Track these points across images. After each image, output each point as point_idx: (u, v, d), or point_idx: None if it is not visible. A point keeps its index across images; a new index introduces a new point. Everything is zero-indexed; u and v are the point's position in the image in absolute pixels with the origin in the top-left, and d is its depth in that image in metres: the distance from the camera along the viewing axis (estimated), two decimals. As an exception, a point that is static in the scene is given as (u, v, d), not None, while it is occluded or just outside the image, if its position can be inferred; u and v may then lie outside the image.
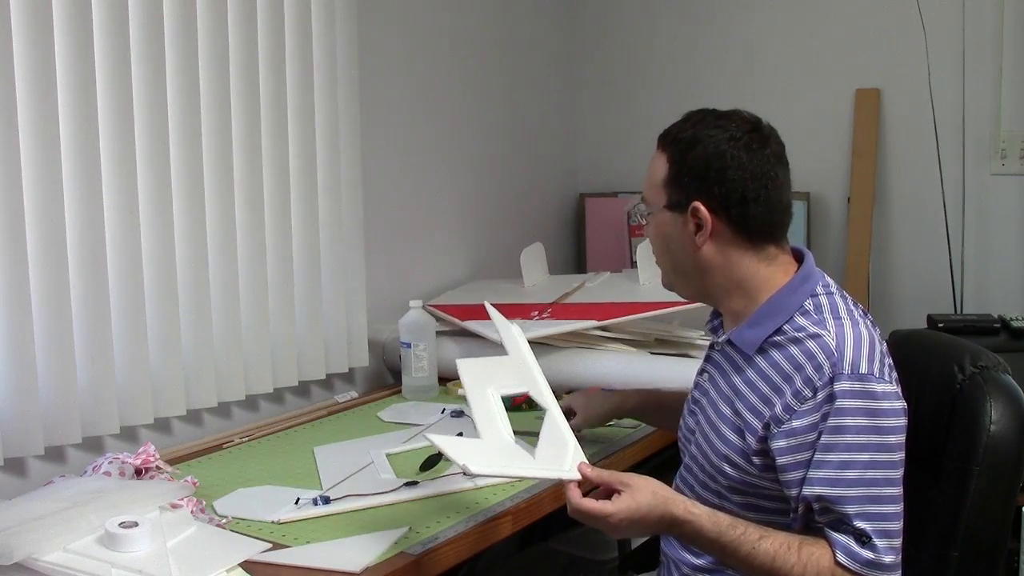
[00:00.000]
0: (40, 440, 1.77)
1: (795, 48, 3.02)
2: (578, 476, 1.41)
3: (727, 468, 1.45)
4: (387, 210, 2.60)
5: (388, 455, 1.90)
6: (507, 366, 1.66)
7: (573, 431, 1.70)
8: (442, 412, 2.18)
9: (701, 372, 1.59)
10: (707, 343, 2.35)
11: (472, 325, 2.40)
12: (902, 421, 1.36)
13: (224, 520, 1.60)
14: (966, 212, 2.79)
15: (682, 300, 2.33)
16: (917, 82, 2.79)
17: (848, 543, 1.33)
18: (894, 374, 1.40)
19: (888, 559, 1.33)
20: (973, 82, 2.76)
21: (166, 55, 1.96)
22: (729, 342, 1.49)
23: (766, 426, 1.39)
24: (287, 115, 2.23)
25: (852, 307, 1.44)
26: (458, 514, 1.62)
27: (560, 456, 1.46)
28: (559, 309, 2.46)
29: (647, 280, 2.63)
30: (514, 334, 1.71)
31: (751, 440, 1.41)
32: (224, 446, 2.04)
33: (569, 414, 1.95)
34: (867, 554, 1.32)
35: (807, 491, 1.35)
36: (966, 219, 2.79)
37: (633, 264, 2.79)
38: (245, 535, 1.54)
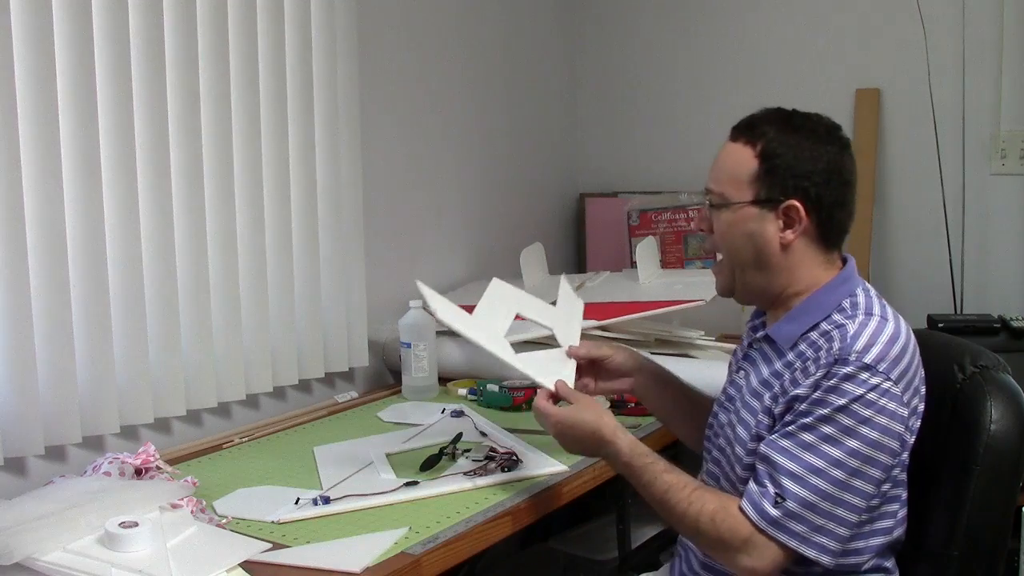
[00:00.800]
0: (40, 440, 1.77)
1: (795, 48, 3.02)
2: (551, 387, 1.64)
3: (746, 457, 1.46)
4: (387, 210, 2.60)
5: (388, 455, 1.90)
6: (545, 307, 1.79)
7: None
8: (442, 412, 2.18)
9: (737, 370, 1.60)
10: (707, 343, 2.38)
11: (472, 325, 2.40)
12: (888, 423, 1.36)
13: (224, 520, 1.60)
14: (966, 212, 2.79)
15: (682, 300, 2.37)
16: (917, 82, 2.79)
17: (760, 496, 1.37)
18: (909, 382, 1.40)
19: (797, 528, 1.35)
20: (973, 82, 2.76)
21: (166, 55, 1.96)
22: (767, 337, 1.52)
23: (774, 399, 1.43)
24: (287, 115, 2.23)
25: (889, 311, 1.46)
26: (458, 514, 1.62)
27: (548, 369, 1.67)
28: (559, 309, 2.45)
29: (647, 280, 2.63)
30: (573, 297, 1.81)
31: (765, 420, 1.44)
32: (224, 446, 2.04)
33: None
34: (774, 512, 1.36)
35: (766, 440, 1.41)
36: (966, 219, 2.79)
37: (633, 264, 2.79)
38: (245, 535, 1.54)
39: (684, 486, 1.45)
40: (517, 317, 1.76)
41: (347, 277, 2.40)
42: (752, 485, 1.40)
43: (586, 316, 2.34)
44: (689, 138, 3.19)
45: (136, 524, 1.42)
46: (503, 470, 1.78)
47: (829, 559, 1.37)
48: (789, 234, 1.46)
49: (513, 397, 2.21)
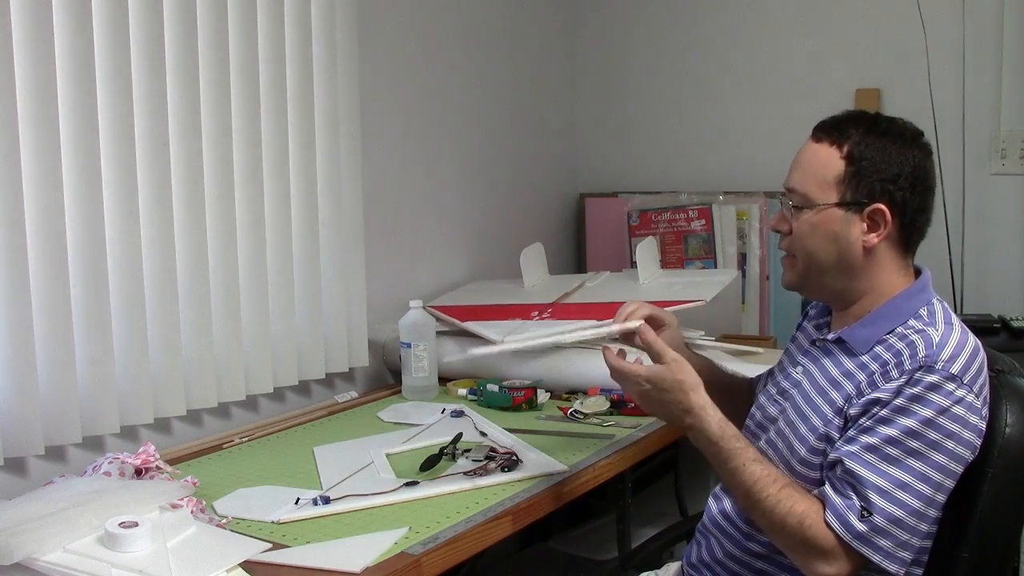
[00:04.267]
0: (40, 440, 1.77)
1: (795, 48, 3.02)
2: (635, 324, 1.56)
3: (807, 454, 1.45)
4: (387, 210, 2.60)
5: (388, 455, 1.90)
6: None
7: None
8: (442, 412, 2.18)
9: (794, 364, 1.59)
10: (707, 343, 2.38)
11: (472, 326, 2.40)
12: (970, 437, 1.36)
13: (224, 520, 1.60)
14: (966, 212, 2.79)
15: (682, 300, 2.36)
16: (917, 82, 2.79)
17: (845, 509, 1.35)
18: (985, 393, 1.40)
19: (883, 543, 1.34)
20: (973, 82, 2.76)
21: (166, 54, 1.96)
22: (838, 340, 1.50)
23: (847, 399, 1.42)
24: (287, 115, 2.23)
25: (962, 323, 1.46)
26: (458, 514, 1.62)
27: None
28: (559, 309, 2.46)
29: (647, 280, 2.63)
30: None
31: (840, 423, 1.42)
32: (224, 446, 2.04)
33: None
34: (860, 526, 1.34)
35: (843, 447, 1.38)
36: (966, 219, 2.79)
37: (633, 264, 2.79)
38: (245, 535, 1.54)
39: (774, 480, 1.41)
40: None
41: (347, 277, 2.40)
42: (834, 496, 1.37)
43: (586, 316, 2.35)
44: (689, 138, 3.20)
45: (136, 524, 1.42)
46: (503, 470, 1.78)
47: (905, 571, 1.37)
48: (873, 238, 1.45)
49: (513, 397, 2.21)
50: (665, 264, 2.95)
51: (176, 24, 1.98)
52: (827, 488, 1.39)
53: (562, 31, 3.33)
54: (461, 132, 2.88)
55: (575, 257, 3.36)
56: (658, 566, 1.80)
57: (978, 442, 1.38)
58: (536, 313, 2.43)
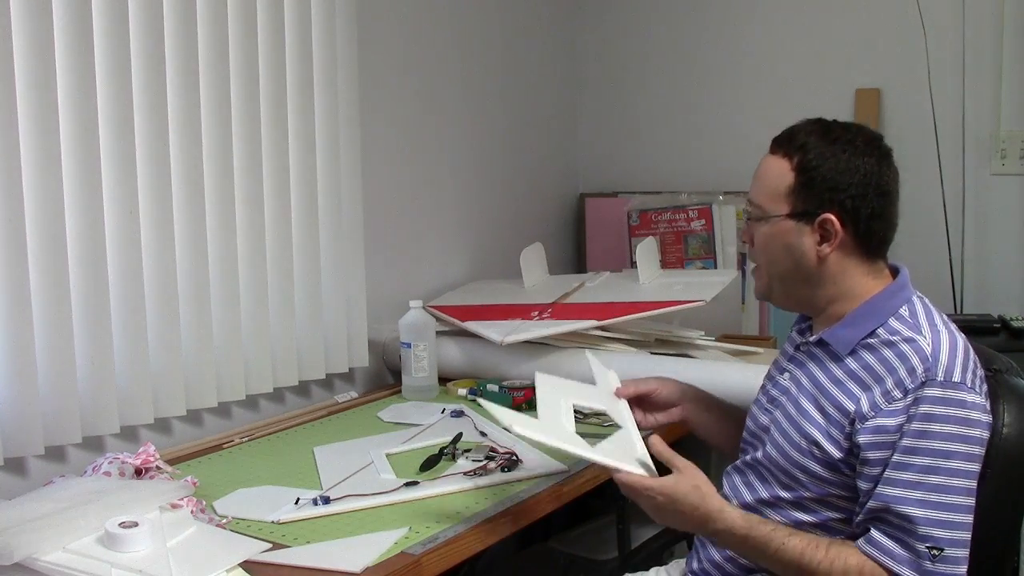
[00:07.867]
0: (40, 440, 1.77)
1: (795, 48, 3.02)
2: (638, 470, 1.47)
3: (804, 461, 1.45)
4: (387, 210, 2.60)
5: (388, 455, 1.90)
6: (589, 391, 1.73)
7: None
8: (442, 412, 2.18)
9: (781, 371, 1.59)
10: (707, 343, 2.38)
11: (472, 326, 2.40)
12: (986, 435, 1.37)
13: (224, 520, 1.60)
14: (966, 212, 2.79)
15: (682, 300, 2.36)
16: (917, 82, 2.79)
17: (917, 560, 1.33)
18: (984, 387, 1.41)
19: (957, 571, 1.33)
20: (973, 82, 2.76)
21: (166, 55, 1.96)
22: (820, 341, 1.50)
23: (851, 422, 1.40)
24: (287, 115, 2.23)
25: (945, 318, 1.46)
26: (458, 514, 1.62)
27: (624, 452, 1.51)
28: (559, 309, 2.46)
29: (647, 280, 2.63)
30: (605, 370, 1.78)
31: (836, 434, 1.42)
32: (224, 446, 2.04)
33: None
34: (936, 568, 1.32)
35: (884, 490, 1.36)
36: (966, 219, 2.79)
37: (633, 264, 2.79)
38: (245, 535, 1.54)
39: (816, 545, 1.39)
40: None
41: (347, 277, 2.40)
42: (900, 550, 1.34)
43: (586, 316, 2.35)
44: (690, 138, 3.20)
45: (136, 524, 1.42)
46: (503, 470, 1.78)
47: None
48: (825, 247, 1.46)
49: (513, 397, 2.21)
50: (665, 264, 2.95)
51: (176, 25, 1.98)
52: (886, 541, 1.36)
53: (562, 31, 3.33)
54: (461, 132, 2.88)
55: (575, 257, 3.36)
56: (658, 565, 1.80)
57: (988, 435, 1.38)
58: (536, 313, 2.43)
